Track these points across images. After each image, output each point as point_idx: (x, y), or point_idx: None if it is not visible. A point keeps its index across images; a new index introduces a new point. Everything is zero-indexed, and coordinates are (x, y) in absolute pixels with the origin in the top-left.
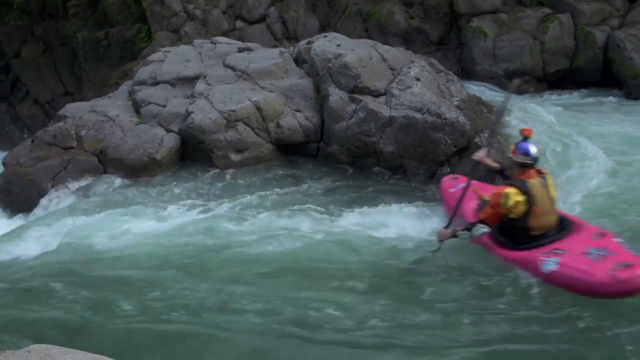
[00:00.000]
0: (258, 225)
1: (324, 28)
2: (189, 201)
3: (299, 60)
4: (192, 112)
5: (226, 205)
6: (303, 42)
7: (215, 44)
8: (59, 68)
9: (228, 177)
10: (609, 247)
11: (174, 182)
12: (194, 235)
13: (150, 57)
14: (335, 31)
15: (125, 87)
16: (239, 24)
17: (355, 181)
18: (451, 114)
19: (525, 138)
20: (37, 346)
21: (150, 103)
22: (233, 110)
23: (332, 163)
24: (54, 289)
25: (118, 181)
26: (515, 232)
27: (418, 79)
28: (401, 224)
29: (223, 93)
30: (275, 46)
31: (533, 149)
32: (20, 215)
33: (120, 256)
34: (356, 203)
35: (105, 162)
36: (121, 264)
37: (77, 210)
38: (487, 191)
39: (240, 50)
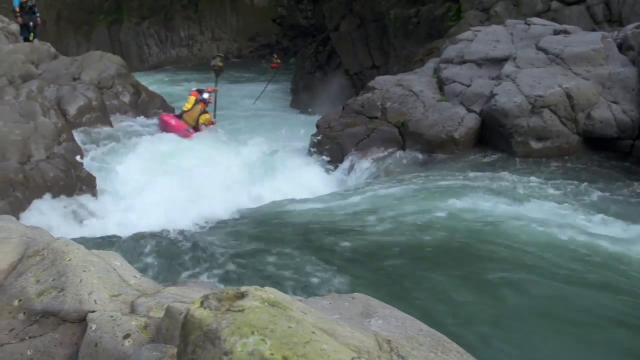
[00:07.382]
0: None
1: None
2: (484, 183)
3: (623, 47)
4: (496, 94)
5: (525, 198)
6: (631, 26)
7: (529, 25)
8: (370, 42)
9: (526, 165)
10: None
11: (470, 163)
12: (499, 218)
13: (459, 36)
14: None
15: (431, 64)
16: (555, 4)
17: None
18: None
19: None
20: (360, 295)
21: (454, 81)
22: (540, 96)
23: None
24: (378, 251)
25: (415, 155)
26: None
27: None
28: None
29: (532, 77)
30: (594, 30)
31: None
32: (329, 173)
33: (424, 230)
34: None
35: (405, 135)
36: (427, 240)
37: (381, 179)
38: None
39: (556, 32)
